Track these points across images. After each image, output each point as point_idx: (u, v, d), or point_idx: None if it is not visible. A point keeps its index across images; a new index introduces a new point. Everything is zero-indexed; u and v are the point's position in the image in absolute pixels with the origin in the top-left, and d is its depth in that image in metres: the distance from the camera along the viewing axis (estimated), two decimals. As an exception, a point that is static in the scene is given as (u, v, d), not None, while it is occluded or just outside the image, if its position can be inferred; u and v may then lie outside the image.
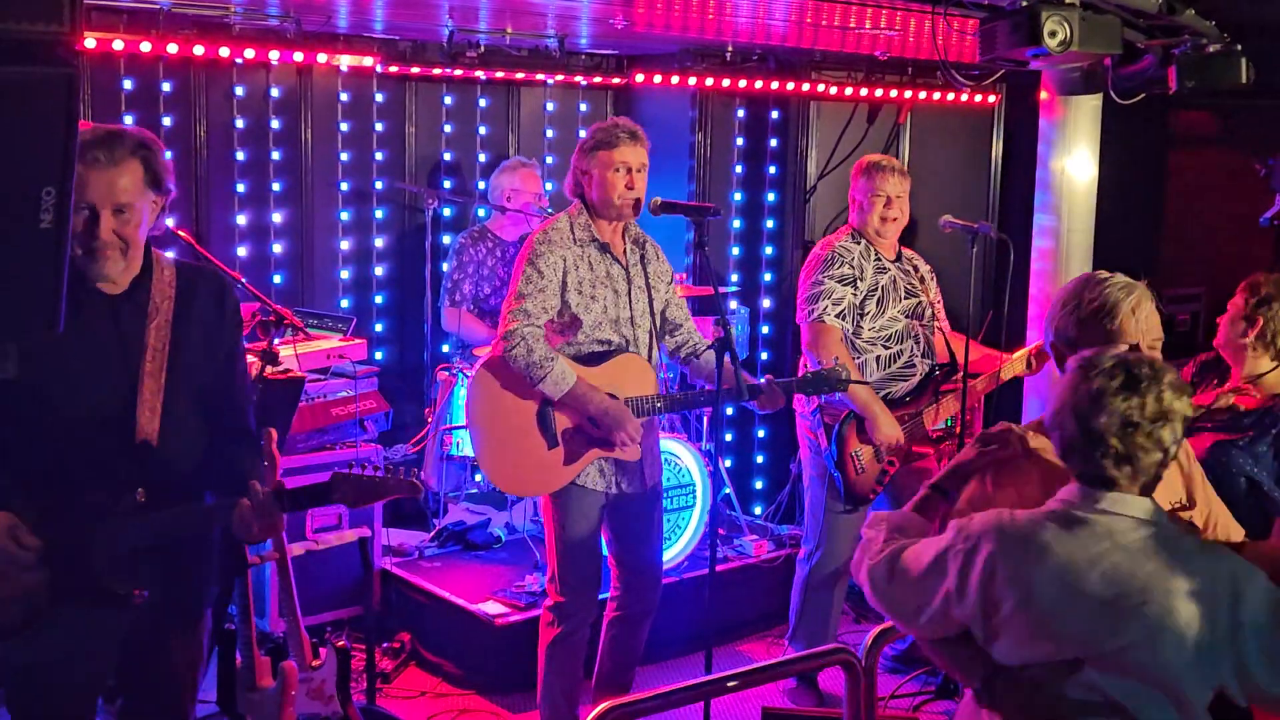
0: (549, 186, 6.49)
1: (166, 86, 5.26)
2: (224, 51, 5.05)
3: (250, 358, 4.37)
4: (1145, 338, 2.63)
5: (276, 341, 4.23)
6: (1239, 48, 4.43)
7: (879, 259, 4.54)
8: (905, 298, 4.56)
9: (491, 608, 4.74)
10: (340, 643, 3.93)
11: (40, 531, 2.54)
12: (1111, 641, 2.19)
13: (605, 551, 4.06)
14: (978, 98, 6.59)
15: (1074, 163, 5.05)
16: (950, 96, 6.54)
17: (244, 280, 4.41)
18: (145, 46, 4.81)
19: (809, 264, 4.55)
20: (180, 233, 4.15)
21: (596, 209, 3.87)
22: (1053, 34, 3.82)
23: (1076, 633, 2.21)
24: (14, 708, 2.71)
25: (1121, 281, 2.68)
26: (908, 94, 6.47)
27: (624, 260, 3.93)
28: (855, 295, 4.44)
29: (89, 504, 2.58)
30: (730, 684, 3.14)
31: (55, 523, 2.55)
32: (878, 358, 4.50)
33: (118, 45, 4.81)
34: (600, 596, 4.06)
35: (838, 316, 4.40)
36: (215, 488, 2.78)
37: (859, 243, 4.54)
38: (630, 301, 3.91)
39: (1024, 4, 3.84)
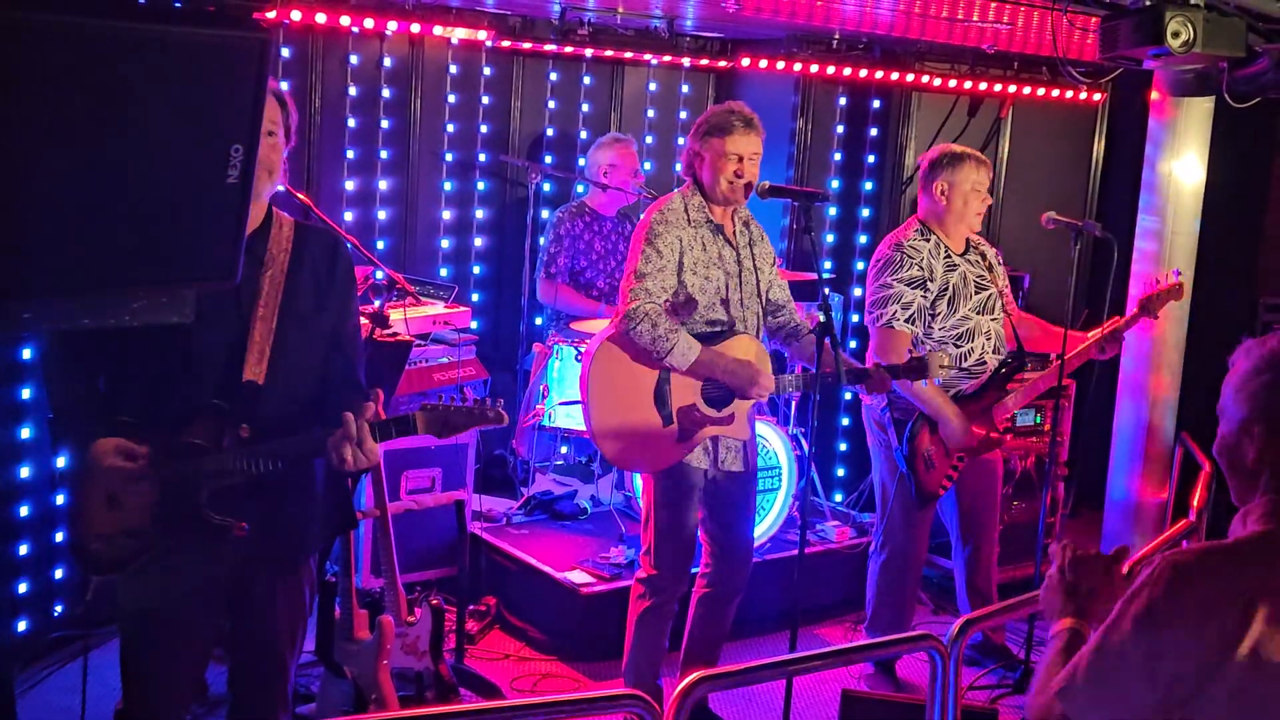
0: (647, 166, 6.55)
1: (285, 52, 5.41)
2: (344, 20, 5.16)
3: (361, 319, 4.51)
4: None
5: (386, 305, 4.35)
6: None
7: (948, 255, 4.42)
8: (976, 293, 4.46)
9: (577, 577, 4.84)
10: (435, 601, 4.03)
11: (152, 466, 2.66)
12: None
13: (698, 529, 4.10)
14: (1082, 95, 6.53)
15: (1182, 165, 4.99)
16: (1055, 93, 6.49)
17: (356, 243, 4.52)
18: (270, 14, 4.94)
19: (876, 264, 4.42)
20: (299, 195, 4.26)
21: (707, 192, 3.91)
22: (1175, 34, 3.77)
23: None
24: (127, 655, 2.81)
25: None
26: (1011, 88, 6.43)
27: (735, 242, 3.97)
28: (925, 297, 4.34)
29: (195, 439, 2.69)
30: (817, 662, 3.19)
31: (164, 456, 2.66)
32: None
33: (242, 10, 4.94)
34: (690, 571, 4.11)
35: (907, 321, 4.31)
36: (323, 431, 2.87)
37: (928, 239, 4.41)
38: (740, 283, 3.95)
39: (1147, 3, 3.80)
